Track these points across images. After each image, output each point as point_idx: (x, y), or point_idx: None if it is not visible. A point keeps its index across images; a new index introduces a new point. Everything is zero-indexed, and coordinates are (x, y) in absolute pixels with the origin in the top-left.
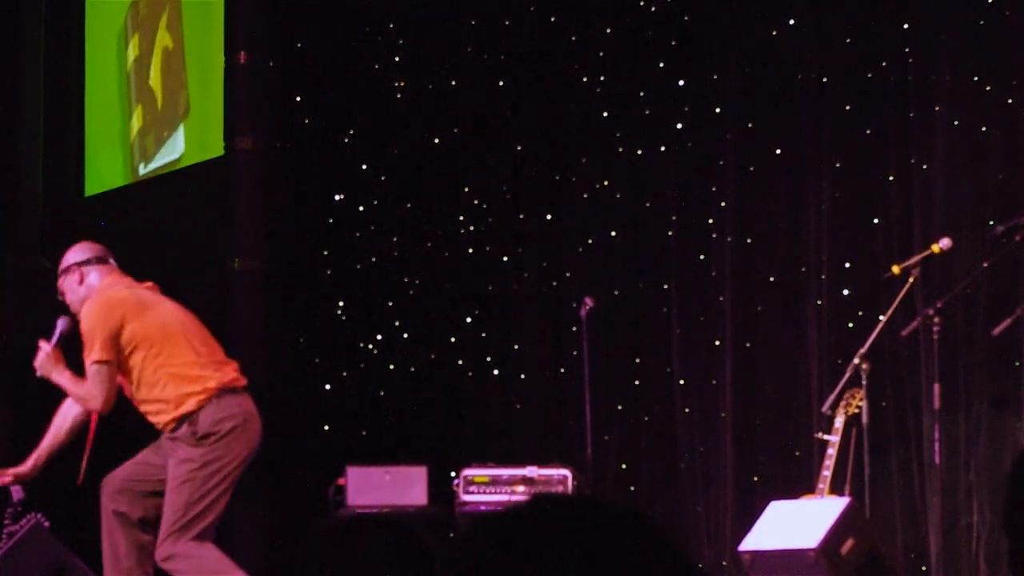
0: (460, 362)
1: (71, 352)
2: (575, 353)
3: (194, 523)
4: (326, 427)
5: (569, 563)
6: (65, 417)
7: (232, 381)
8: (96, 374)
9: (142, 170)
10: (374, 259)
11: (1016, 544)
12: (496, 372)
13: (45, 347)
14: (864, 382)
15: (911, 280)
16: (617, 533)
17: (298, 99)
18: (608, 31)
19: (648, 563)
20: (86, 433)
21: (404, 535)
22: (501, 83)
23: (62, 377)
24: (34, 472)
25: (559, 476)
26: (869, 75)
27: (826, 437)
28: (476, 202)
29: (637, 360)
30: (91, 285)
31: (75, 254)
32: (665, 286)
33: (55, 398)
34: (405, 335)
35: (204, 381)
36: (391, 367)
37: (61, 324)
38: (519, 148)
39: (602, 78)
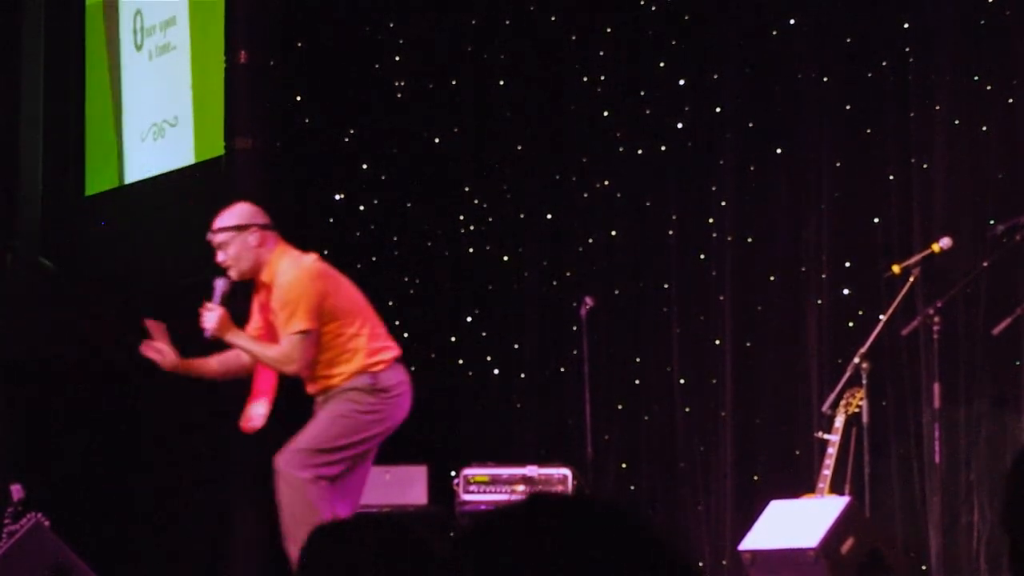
0: (460, 362)
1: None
2: (575, 353)
3: (329, 455)
4: None
5: (565, 563)
6: (238, 360)
7: (400, 352)
8: (300, 341)
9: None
10: (374, 259)
11: (1016, 543)
12: (496, 372)
13: (214, 308)
14: (864, 381)
15: (911, 279)
16: (614, 533)
17: (298, 99)
18: (608, 31)
19: (645, 564)
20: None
21: (404, 534)
22: (501, 83)
23: (239, 339)
24: (179, 366)
25: (559, 475)
26: (869, 75)
27: (826, 436)
28: (476, 202)
29: (637, 360)
30: (270, 250)
31: (255, 215)
32: (665, 286)
33: (55, 398)
34: (405, 335)
35: (388, 351)
36: None
37: (221, 284)
38: (519, 148)
39: (602, 78)
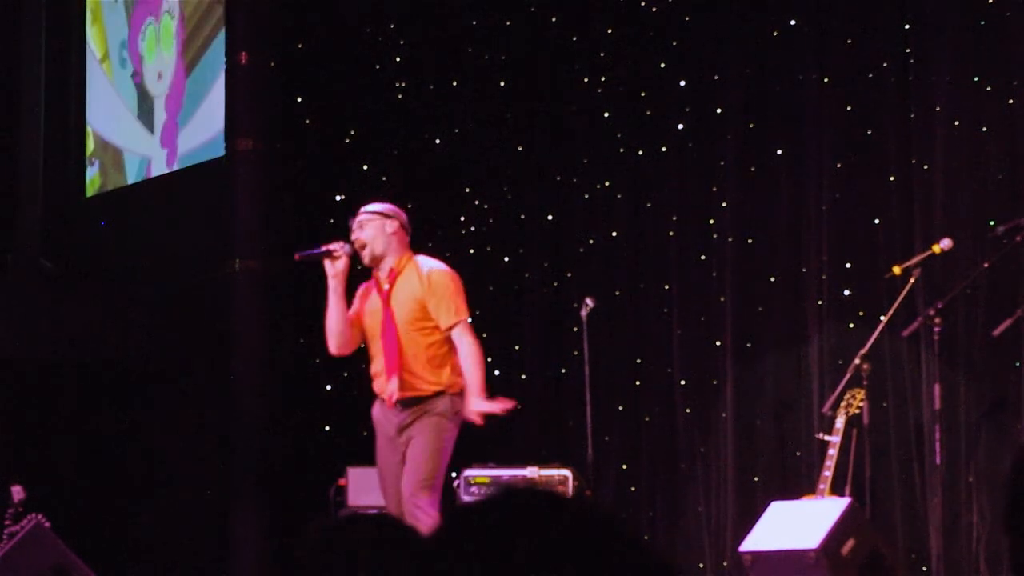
0: None
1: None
2: (576, 353)
3: (436, 478)
4: (326, 427)
5: (539, 556)
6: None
7: None
8: (468, 326)
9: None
10: None
11: (1016, 544)
12: (496, 372)
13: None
14: (865, 382)
15: (912, 280)
16: (590, 529)
17: (298, 99)
18: (608, 31)
19: (615, 563)
20: None
21: (401, 535)
22: (501, 83)
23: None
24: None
25: (560, 477)
26: (869, 75)
27: (827, 438)
28: (476, 202)
29: (638, 361)
30: (402, 245)
31: (399, 213)
32: (666, 286)
33: (55, 398)
34: None
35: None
36: None
37: (343, 245)
38: (519, 148)
39: (602, 78)
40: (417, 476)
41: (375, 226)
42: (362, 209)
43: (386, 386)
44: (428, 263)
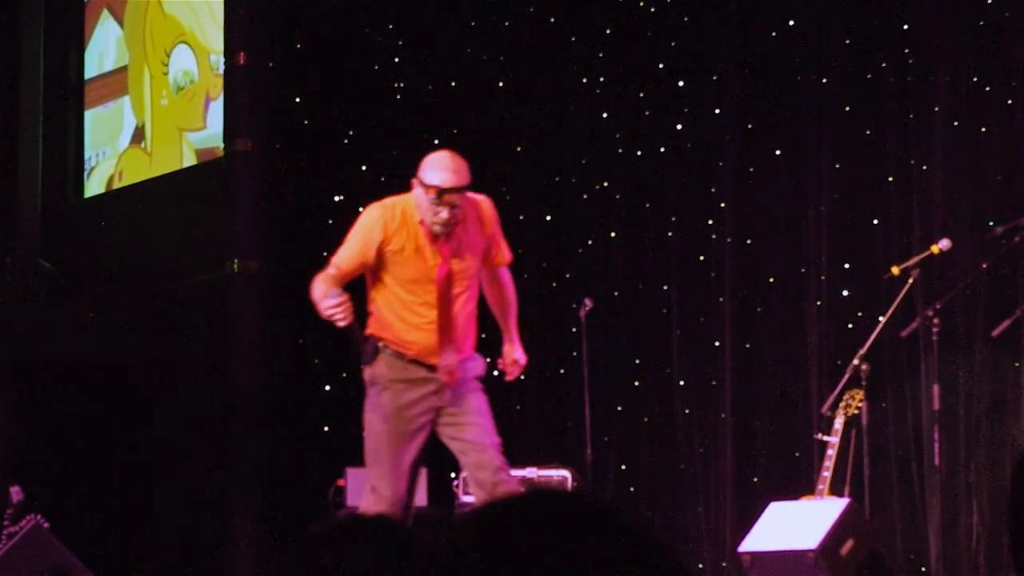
0: None
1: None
2: (575, 354)
3: None
4: (326, 428)
5: (564, 557)
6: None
7: None
8: None
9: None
10: None
11: (1019, 537)
12: (496, 374)
13: None
14: (864, 383)
15: (911, 281)
16: (613, 530)
17: (297, 100)
18: (608, 31)
19: (641, 562)
20: None
21: (402, 536)
22: (501, 83)
23: None
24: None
25: (559, 477)
26: (869, 75)
27: (826, 438)
28: None
29: (637, 361)
30: None
31: None
32: (665, 287)
33: (55, 398)
34: None
35: None
36: None
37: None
38: (519, 148)
39: (602, 78)
40: (496, 439)
41: (463, 197)
42: (463, 182)
43: (439, 359)
44: (469, 199)
